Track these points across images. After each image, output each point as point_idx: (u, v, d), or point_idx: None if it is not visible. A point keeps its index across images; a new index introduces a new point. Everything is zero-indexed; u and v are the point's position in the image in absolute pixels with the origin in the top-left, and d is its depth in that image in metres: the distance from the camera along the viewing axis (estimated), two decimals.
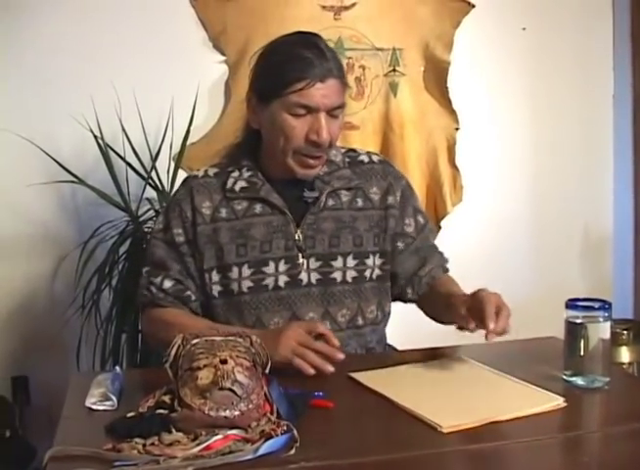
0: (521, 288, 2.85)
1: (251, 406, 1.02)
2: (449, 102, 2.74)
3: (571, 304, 1.25)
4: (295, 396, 1.13)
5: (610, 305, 1.24)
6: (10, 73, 2.41)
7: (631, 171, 3.02)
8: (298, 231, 1.47)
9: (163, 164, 2.38)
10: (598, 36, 2.95)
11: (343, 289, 1.49)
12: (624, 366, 2.60)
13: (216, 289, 1.49)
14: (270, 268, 1.46)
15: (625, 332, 2.65)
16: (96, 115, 2.29)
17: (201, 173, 1.53)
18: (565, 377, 1.26)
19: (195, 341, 1.08)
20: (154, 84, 2.43)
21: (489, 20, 2.76)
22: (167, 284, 1.49)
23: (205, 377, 1.02)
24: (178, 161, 2.39)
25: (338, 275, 1.49)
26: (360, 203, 1.53)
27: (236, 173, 1.50)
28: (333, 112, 1.41)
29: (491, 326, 1.22)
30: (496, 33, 2.80)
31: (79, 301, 2.25)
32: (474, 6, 2.73)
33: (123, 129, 2.31)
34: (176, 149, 2.39)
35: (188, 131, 2.38)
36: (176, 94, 2.39)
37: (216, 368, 1.03)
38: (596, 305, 1.24)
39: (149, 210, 2.36)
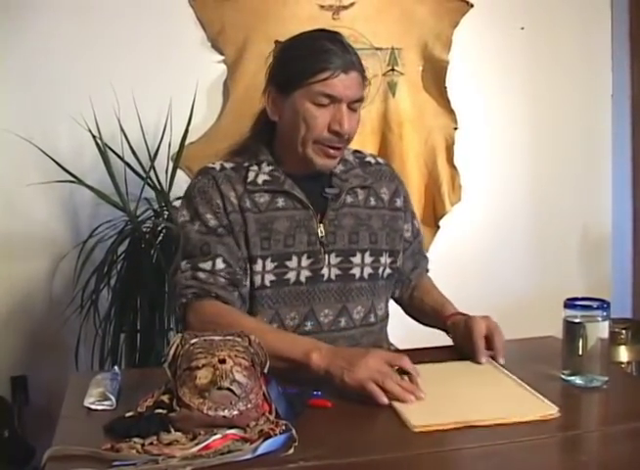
0: (519, 287, 2.86)
1: (249, 406, 1.02)
2: (448, 101, 2.74)
3: (570, 303, 1.25)
4: (293, 395, 1.13)
5: (608, 304, 1.24)
6: (9, 73, 2.41)
7: (630, 171, 3.02)
8: (321, 226, 1.47)
9: (162, 163, 2.38)
10: (597, 36, 2.95)
11: (361, 286, 1.50)
12: (623, 366, 2.60)
13: None
14: (293, 263, 1.44)
15: (624, 331, 2.65)
16: (94, 114, 2.29)
17: (217, 166, 1.50)
18: (563, 376, 1.26)
19: (193, 340, 1.07)
20: (152, 84, 2.43)
21: (488, 19, 2.76)
22: (220, 265, 1.40)
23: (203, 377, 1.02)
24: (177, 160, 2.39)
25: (356, 271, 1.49)
26: (373, 201, 1.56)
27: (255, 168, 1.48)
28: (353, 104, 1.43)
29: (483, 361, 1.35)
30: (494, 33, 2.80)
31: (78, 300, 2.24)
32: (472, 5, 2.73)
33: (122, 129, 2.31)
34: (175, 149, 2.39)
35: (186, 131, 2.38)
36: (175, 94, 2.39)
37: (215, 368, 1.02)
38: (594, 304, 1.24)
39: (147, 209, 2.36)
